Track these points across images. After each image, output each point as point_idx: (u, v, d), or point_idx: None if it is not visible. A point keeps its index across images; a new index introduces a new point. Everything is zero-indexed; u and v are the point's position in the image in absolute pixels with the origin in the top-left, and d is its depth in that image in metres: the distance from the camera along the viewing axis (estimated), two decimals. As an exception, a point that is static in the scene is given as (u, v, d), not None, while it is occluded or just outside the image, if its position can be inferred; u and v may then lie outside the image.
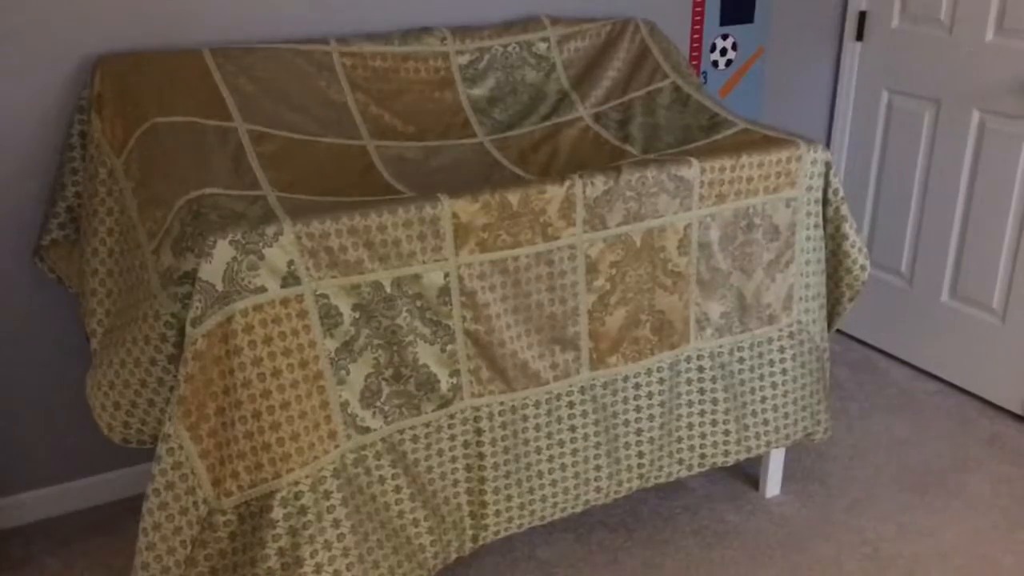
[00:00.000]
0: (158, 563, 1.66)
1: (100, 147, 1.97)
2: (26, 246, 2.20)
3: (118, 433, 1.77)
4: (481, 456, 1.90)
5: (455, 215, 1.74)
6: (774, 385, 2.21)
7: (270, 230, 1.59)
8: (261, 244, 1.58)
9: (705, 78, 3.15)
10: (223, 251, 1.56)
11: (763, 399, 2.20)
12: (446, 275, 1.77)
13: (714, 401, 2.15)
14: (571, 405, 1.98)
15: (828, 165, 2.14)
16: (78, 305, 2.27)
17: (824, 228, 2.21)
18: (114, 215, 1.91)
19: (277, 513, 1.66)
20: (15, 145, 2.13)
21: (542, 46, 2.49)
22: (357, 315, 1.70)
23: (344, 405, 1.72)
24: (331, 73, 2.22)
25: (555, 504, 2.02)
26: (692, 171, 1.97)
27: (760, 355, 2.18)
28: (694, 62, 3.10)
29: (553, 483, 2.00)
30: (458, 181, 2.03)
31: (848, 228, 2.20)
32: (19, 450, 2.33)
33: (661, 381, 2.07)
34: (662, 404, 2.08)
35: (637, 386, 2.05)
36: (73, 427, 2.37)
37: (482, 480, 1.91)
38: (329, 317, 1.67)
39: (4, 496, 2.35)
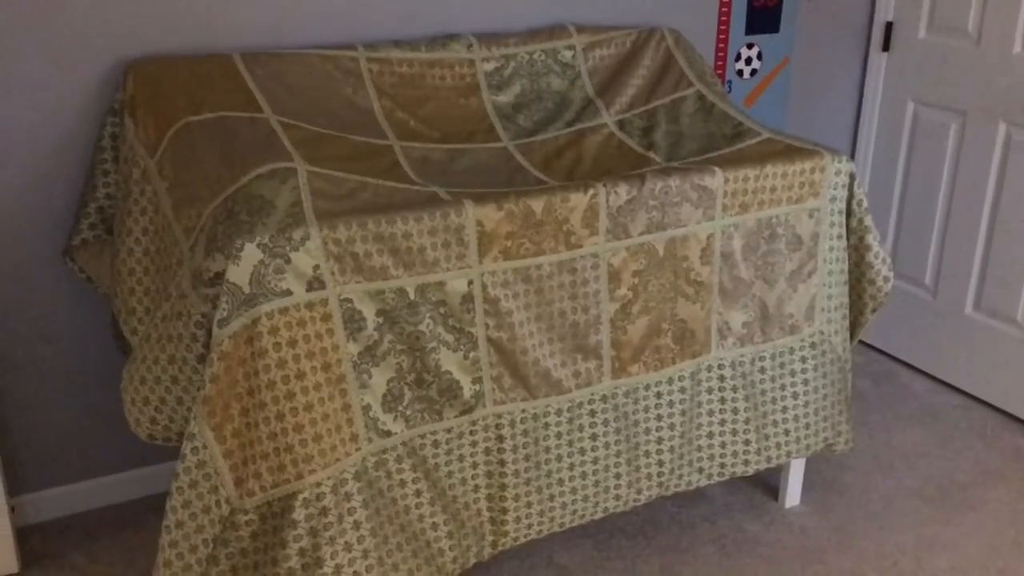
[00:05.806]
0: (180, 561, 1.69)
1: (133, 148, 2.00)
2: (57, 246, 2.24)
3: (145, 429, 1.80)
4: (502, 463, 1.91)
5: (479, 223, 1.76)
6: (795, 395, 2.20)
7: (297, 234, 1.61)
8: (288, 248, 1.61)
9: (730, 87, 3.15)
10: (250, 254, 1.58)
11: (784, 409, 2.20)
12: (470, 282, 1.78)
13: (735, 411, 2.15)
14: (592, 413, 1.99)
15: (852, 176, 2.13)
16: (107, 304, 2.30)
17: (847, 239, 2.20)
18: (148, 215, 1.93)
19: (299, 514, 1.67)
20: (47, 147, 2.16)
21: (567, 54, 2.50)
22: (380, 320, 1.72)
23: (366, 409, 1.74)
24: (357, 79, 2.25)
25: (574, 511, 2.03)
26: (715, 180, 1.98)
27: (782, 365, 2.18)
28: (719, 71, 3.10)
29: (573, 490, 2.01)
30: (481, 184, 2.04)
31: (871, 239, 2.20)
32: (45, 447, 2.36)
33: (682, 390, 2.07)
34: (683, 413, 2.09)
35: (658, 395, 2.05)
36: (99, 424, 2.41)
37: (503, 487, 1.92)
38: (353, 322, 1.69)
39: (30, 492, 2.38)
